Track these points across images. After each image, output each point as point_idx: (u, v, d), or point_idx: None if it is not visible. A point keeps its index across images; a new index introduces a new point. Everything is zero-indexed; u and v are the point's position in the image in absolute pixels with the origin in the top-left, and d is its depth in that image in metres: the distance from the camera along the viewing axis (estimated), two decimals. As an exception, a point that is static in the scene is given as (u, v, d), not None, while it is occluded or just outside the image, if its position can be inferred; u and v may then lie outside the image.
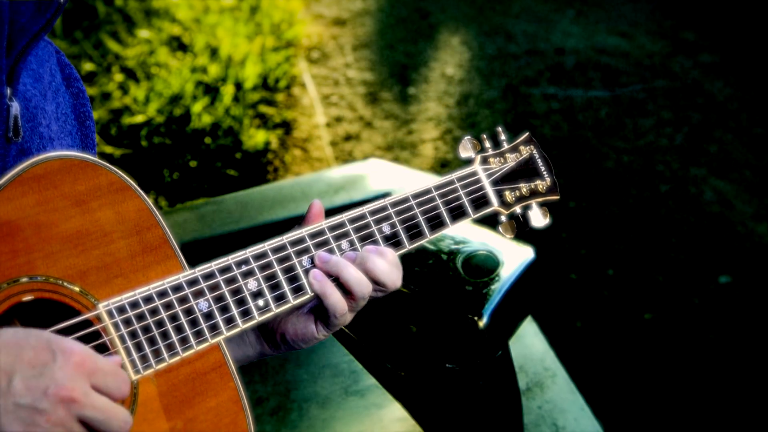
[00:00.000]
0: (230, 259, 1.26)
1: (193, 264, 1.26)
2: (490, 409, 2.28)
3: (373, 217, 1.40)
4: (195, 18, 5.93)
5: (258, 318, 1.27)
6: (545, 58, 6.02)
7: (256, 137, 5.02)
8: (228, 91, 5.27)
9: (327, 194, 3.18)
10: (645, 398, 3.54)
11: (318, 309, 1.37)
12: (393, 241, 1.41)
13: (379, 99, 5.52)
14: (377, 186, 3.26)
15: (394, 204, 1.43)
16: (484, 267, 2.30)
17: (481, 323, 2.17)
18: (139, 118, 5.00)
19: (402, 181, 3.30)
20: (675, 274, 4.21)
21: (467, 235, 2.46)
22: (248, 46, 5.65)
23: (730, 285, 4.15)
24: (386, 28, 6.37)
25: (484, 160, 1.57)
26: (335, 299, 1.32)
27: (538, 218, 1.59)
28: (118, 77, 5.33)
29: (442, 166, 4.91)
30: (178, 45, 5.71)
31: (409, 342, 2.28)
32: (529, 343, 2.72)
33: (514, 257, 2.36)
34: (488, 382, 2.24)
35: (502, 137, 1.62)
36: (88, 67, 5.38)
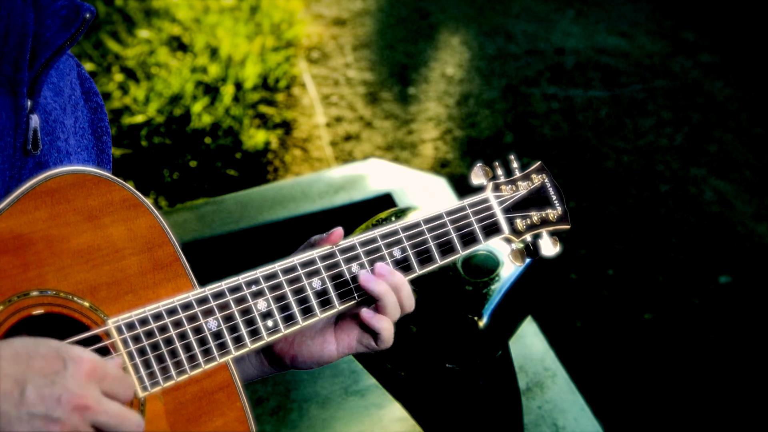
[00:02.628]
0: (240, 279, 1.27)
1: (200, 277, 1.26)
2: (490, 409, 2.28)
3: (384, 241, 1.40)
4: (195, 18, 5.93)
5: (267, 338, 1.27)
6: (545, 58, 6.02)
7: (256, 137, 5.02)
8: (228, 91, 5.27)
9: (327, 194, 3.17)
10: (645, 398, 3.54)
11: (351, 327, 1.39)
12: (403, 265, 1.41)
13: (379, 99, 5.53)
14: (377, 186, 3.26)
15: (406, 228, 1.43)
16: (484, 267, 2.30)
17: (481, 323, 2.17)
18: (139, 118, 5.00)
19: (402, 181, 3.30)
20: (675, 274, 4.21)
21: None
22: (248, 46, 5.65)
23: (730, 285, 4.15)
24: (386, 28, 6.38)
25: (496, 188, 1.57)
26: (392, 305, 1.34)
27: (548, 247, 1.60)
28: (118, 77, 5.33)
29: (442, 166, 4.91)
30: (178, 45, 5.71)
31: (409, 342, 2.28)
32: (529, 343, 2.72)
33: (514, 257, 2.36)
34: (488, 382, 2.24)
35: (515, 165, 1.62)
36: (88, 67, 5.38)
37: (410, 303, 1.38)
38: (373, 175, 3.35)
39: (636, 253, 4.34)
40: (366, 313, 1.33)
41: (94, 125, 1.42)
